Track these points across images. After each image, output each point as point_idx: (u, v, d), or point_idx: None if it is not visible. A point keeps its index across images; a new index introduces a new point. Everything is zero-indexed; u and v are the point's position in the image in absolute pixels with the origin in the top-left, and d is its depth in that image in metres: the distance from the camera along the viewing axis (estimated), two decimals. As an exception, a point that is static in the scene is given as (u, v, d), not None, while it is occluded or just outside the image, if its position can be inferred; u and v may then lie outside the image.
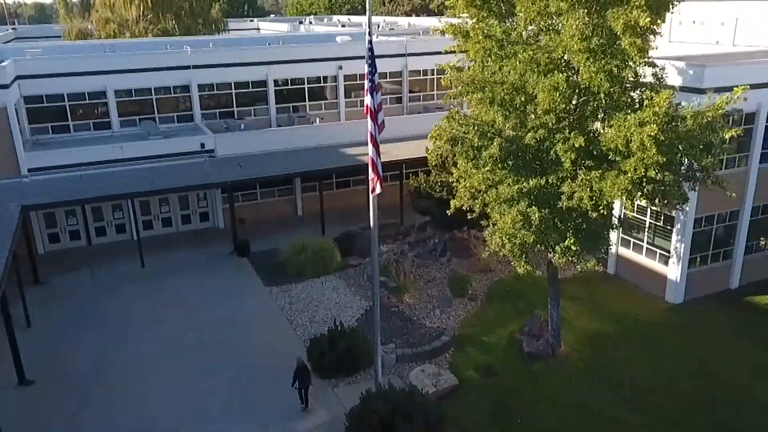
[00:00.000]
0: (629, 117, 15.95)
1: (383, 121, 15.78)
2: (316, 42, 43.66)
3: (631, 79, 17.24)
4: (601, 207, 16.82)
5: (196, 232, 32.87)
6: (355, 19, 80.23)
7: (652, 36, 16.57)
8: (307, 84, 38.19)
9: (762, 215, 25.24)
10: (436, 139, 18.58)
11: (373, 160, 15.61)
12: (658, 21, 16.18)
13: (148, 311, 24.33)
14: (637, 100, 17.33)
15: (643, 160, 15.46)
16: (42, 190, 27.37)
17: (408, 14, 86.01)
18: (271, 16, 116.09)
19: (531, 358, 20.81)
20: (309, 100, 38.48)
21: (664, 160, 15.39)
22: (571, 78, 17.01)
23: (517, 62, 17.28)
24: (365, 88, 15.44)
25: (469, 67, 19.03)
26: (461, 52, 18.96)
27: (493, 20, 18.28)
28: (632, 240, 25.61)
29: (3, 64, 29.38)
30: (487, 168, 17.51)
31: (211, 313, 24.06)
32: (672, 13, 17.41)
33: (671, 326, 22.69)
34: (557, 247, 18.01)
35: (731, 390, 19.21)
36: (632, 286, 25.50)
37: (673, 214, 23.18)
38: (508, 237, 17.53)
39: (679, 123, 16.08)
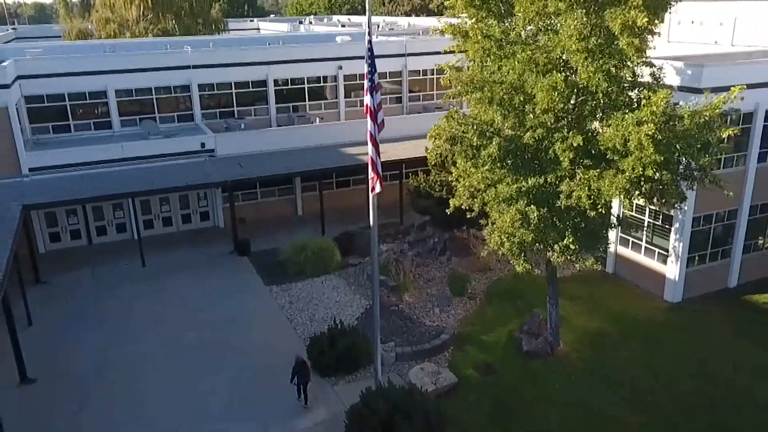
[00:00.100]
0: (627, 116, 16.05)
1: (383, 120, 15.86)
2: (316, 42, 43.76)
3: (629, 78, 17.36)
4: (599, 206, 16.92)
5: (197, 231, 32.96)
6: (355, 19, 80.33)
7: (650, 36, 16.69)
8: (307, 84, 38.30)
9: (760, 214, 25.33)
10: (435, 138, 18.67)
11: (372, 159, 15.70)
12: (656, 21, 16.30)
13: (149, 310, 24.40)
14: (635, 100, 17.42)
15: (641, 159, 15.55)
16: (43, 189, 27.46)
17: (408, 14, 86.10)
18: (271, 16, 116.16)
19: (530, 356, 20.88)
20: (309, 100, 38.60)
21: (662, 159, 15.49)
22: (569, 78, 17.11)
23: (516, 62, 17.38)
24: (365, 87, 15.53)
25: (468, 67, 19.12)
26: (460, 52, 19.04)
27: (492, 20, 18.37)
28: (631, 239, 25.71)
29: (4, 64, 29.47)
30: (486, 167, 17.59)
31: (212, 313, 24.14)
32: (670, 13, 17.51)
33: (671, 325, 22.74)
34: (556, 246, 18.11)
35: (731, 390, 19.19)
36: (631, 285, 25.57)
37: (672, 213, 23.28)
38: (506, 236, 17.61)
39: (676, 122, 16.18)
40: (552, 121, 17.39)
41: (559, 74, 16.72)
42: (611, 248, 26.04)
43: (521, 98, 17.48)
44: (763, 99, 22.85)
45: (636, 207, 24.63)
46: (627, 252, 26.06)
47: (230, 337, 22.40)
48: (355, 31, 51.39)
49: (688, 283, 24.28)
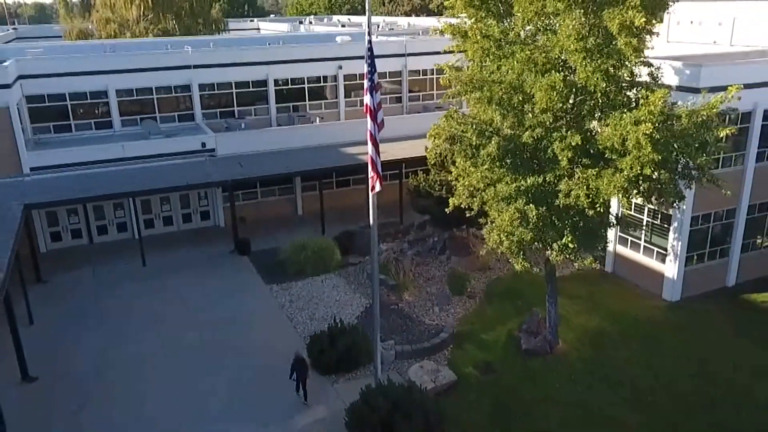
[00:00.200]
0: (625, 116, 16.13)
1: (383, 120, 15.96)
2: (316, 42, 43.87)
3: (627, 78, 17.44)
4: (597, 205, 16.99)
5: (197, 230, 33.04)
6: (355, 19, 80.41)
7: (648, 36, 16.77)
8: (307, 84, 38.40)
9: (758, 213, 25.41)
10: (434, 137, 18.75)
11: (372, 158, 15.79)
12: (654, 21, 16.38)
13: (149, 310, 24.47)
14: (633, 99, 17.51)
15: (639, 158, 15.64)
16: (44, 188, 27.55)
17: (408, 14, 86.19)
18: (271, 16, 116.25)
19: (529, 355, 20.96)
20: (309, 100, 38.70)
21: (660, 158, 15.57)
22: (568, 77, 17.18)
23: (515, 62, 17.47)
24: (365, 87, 15.61)
25: (467, 67, 19.21)
26: (460, 51, 19.13)
27: (491, 20, 18.45)
28: (630, 238, 25.80)
29: (5, 63, 29.56)
30: (486, 166, 17.67)
31: (212, 312, 24.20)
32: (669, 13, 17.61)
33: (670, 325, 22.77)
34: (554, 245, 18.18)
35: (731, 390, 19.19)
36: (630, 284, 25.63)
37: (670, 212, 23.37)
38: (505, 234, 17.69)
39: (674, 122, 16.26)
40: (551, 120, 17.47)
41: (557, 74, 16.80)
42: (610, 247, 26.12)
43: (520, 98, 17.57)
44: (761, 98, 22.93)
45: (635, 206, 24.70)
46: (626, 251, 26.15)
47: (230, 336, 22.45)
48: (355, 31, 51.48)
49: (687, 282, 24.36)
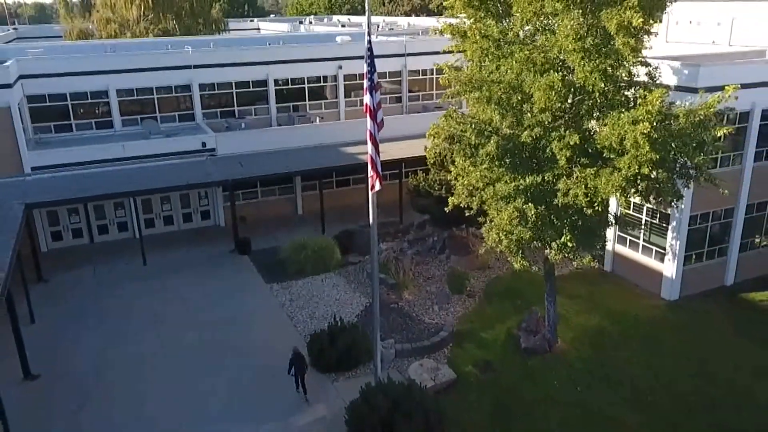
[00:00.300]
0: (623, 115, 16.22)
1: (382, 119, 16.03)
2: (316, 42, 43.96)
3: (625, 78, 17.52)
4: (596, 204, 17.08)
5: (198, 230, 33.11)
6: (354, 19, 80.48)
7: (646, 36, 16.86)
8: (307, 84, 38.48)
9: (756, 213, 25.50)
10: (434, 137, 18.85)
11: (372, 158, 15.87)
12: (652, 21, 16.46)
13: (149, 310, 24.52)
14: (631, 99, 17.59)
15: (637, 157, 15.74)
16: (45, 188, 27.63)
17: (407, 14, 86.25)
18: (271, 16, 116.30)
19: (528, 353, 21.03)
20: (309, 100, 38.78)
21: (658, 157, 15.67)
22: (566, 77, 17.26)
23: (514, 62, 17.55)
24: (365, 87, 15.68)
25: (467, 67, 19.29)
26: (459, 51, 19.21)
27: (490, 20, 18.52)
28: (629, 237, 25.89)
29: (6, 63, 29.63)
30: (485, 166, 17.75)
31: (212, 312, 24.25)
32: (667, 13, 17.69)
33: (670, 324, 22.80)
34: (553, 244, 18.26)
35: (731, 390, 19.20)
36: (629, 284, 25.70)
37: (669, 211, 23.45)
38: (504, 233, 17.77)
39: (672, 121, 16.35)
40: (549, 120, 17.56)
41: (556, 74, 16.89)
42: (609, 246, 26.19)
43: (519, 97, 17.66)
44: (759, 98, 23.01)
45: (633, 205, 24.79)
46: (625, 250, 26.23)
47: (230, 336, 22.50)
48: (355, 31, 51.55)
49: (686, 281, 24.45)
